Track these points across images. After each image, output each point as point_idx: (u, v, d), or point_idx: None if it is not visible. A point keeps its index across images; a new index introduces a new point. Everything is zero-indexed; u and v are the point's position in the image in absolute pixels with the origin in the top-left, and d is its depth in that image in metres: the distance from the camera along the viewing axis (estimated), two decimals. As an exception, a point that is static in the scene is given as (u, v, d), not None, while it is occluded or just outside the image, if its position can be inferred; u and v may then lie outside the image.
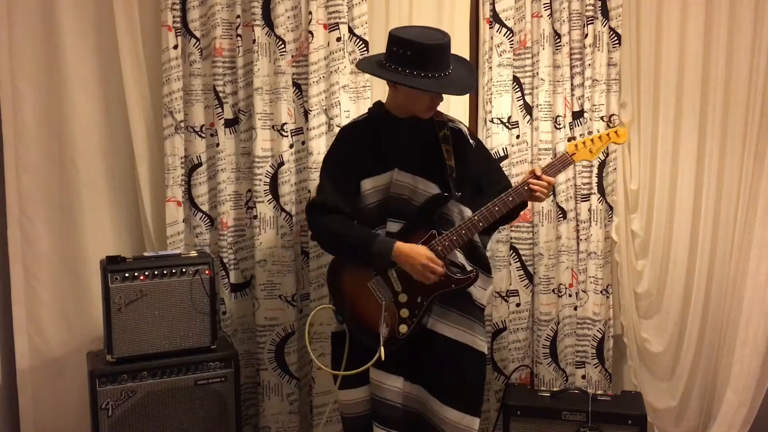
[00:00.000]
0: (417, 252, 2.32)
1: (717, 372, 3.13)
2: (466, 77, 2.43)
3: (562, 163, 2.42)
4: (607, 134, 2.49)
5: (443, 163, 2.41)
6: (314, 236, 2.63)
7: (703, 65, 3.04)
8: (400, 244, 2.33)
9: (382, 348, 2.33)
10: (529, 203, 2.87)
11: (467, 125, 2.61)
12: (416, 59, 2.28)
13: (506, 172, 3.06)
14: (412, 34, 2.34)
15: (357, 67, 2.64)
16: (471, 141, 2.55)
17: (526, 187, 2.36)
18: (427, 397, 2.42)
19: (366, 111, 2.59)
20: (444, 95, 2.45)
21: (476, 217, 2.34)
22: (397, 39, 2.33)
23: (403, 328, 2.37)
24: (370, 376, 2.43)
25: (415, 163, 2.42)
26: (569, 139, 3.05)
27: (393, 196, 2.42)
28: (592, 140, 2.46)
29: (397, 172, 2.41)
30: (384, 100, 2.52)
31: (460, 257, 2.43)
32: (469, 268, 2.42)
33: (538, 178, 2.36)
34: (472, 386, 2.46)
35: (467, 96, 3.13)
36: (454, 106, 3.09)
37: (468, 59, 2.53)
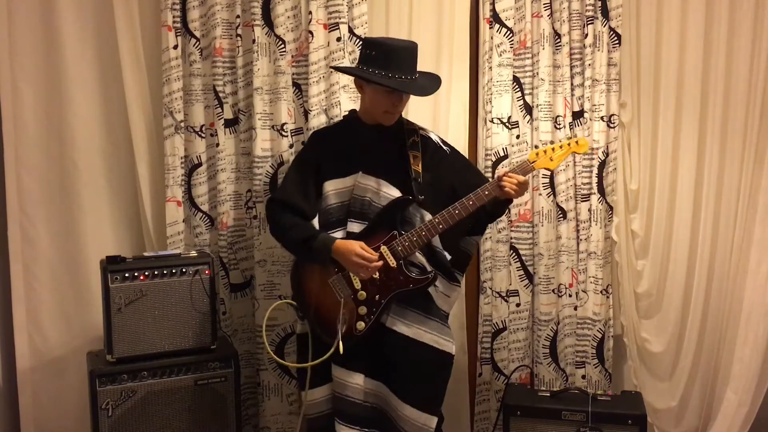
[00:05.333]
0: (348, 247, 2.37)
1: (717, 372, 3.13)
2: (427, 85, 2.48)
3: (522, 169, 2.43)
4: (568, 143, 2.52)
5: (409, 168, 2.46)
6: (271, 231, 2.67)
7: (703, 65, 3.04)
8: (338, 242, 2.39)
9: (340, 342, 2.39)
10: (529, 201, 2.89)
11: (439, 136, 2.66)
12: (380, 59, 2.40)
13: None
14: (380, 38, 2.51)
15: (331, 67, 2.72)
16: (445, 148, 2.59)
17: (486, 192, 2.37)
18: (388, 394, 2.46)
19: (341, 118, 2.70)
20: (407, 100, 2.50)
21: (436, 219, 2.38)
22: (366, 41, 2.56)
23: (361, 325, 2.42)
24: (332, 374, 2.48)
25: (380, 167, 2.48)
26: (535, 146, 3.08)
27: (356, 198, 2.47)
28: (553, 149, 2.49)
29: (361, 175, 2.48)
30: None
31: (421, 259, 2.46)
32: (429, 269, 2.46)
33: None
34: (430, 385, 2.48)
35: (467, 96, 3.13)
36: (454, 106, 3.09)
37: (437, 75, 2.61)
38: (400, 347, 2.43)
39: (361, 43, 2.53)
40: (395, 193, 2.45)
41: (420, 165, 2.48)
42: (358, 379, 2.46)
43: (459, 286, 2.57)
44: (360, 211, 2.47)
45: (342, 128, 2.64)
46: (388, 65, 2.38)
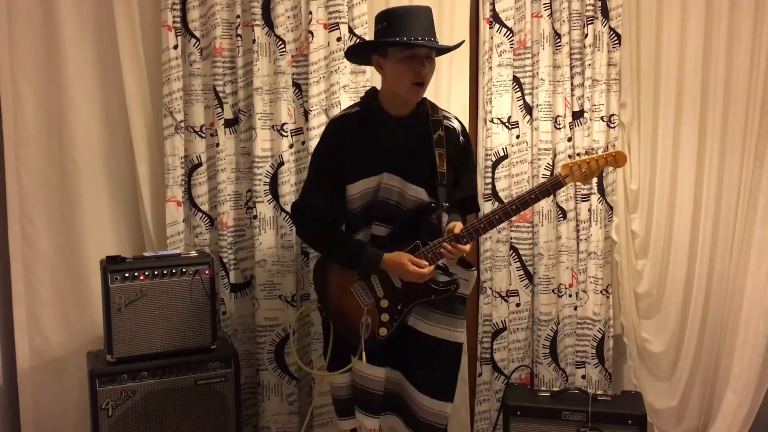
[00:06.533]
0: (400, 260, 2.33)
1: (717, 372, 3.13)
2: (448, 45, 2.40)
3: (552, 185, 2.35)
4: (605, 158, 2.35)
5: (435, 169, 2.38)
6: (299, 235, 2.65)
7: (703, 65, 3.04)
8: (387, 256, 2.35)
9: (363, 352, 2.39)
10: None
11: (462, 122, 2.57)
12: (393, 26, 2.28)
13: (506, 172, 3.08)
14: (391, 7, 2.40)
15: (349, 48, 2.57)
16: (461, 139, 2.49)
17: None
18: (405, 383, 2.47)
19: (359, 100, 2.55)
20: (431, 69, 2.34)
21: (461, 234, 2.33)
22: (377, 16, 2.36)
23: (383, 331, 2.42)
24: (353, 366, 2.48)
25: (406, 166, 2.39)
26: (569, 156, 3.04)
27: (381, 200, 2.40)
28: (588, 163, 2.32)
29: (387, 176, 2.39)
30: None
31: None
32: (452, 271, 2.44)
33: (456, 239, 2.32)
34: (446, 375, 2.50)
35: (467, 96, 3.13)
36: (454, 106, 3.09)
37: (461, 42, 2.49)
38: (420, 345, 2.44)
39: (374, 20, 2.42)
40: (422, 195, 2.38)
41: (445, 164, 2.39)
42: (379, 373, 2.46)
43: (475, 270, 2.54)
44: (385, 213, 2.41)
45: (364, 119, 2.43)
46: (404, 29, 2.25)
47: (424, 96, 2.45)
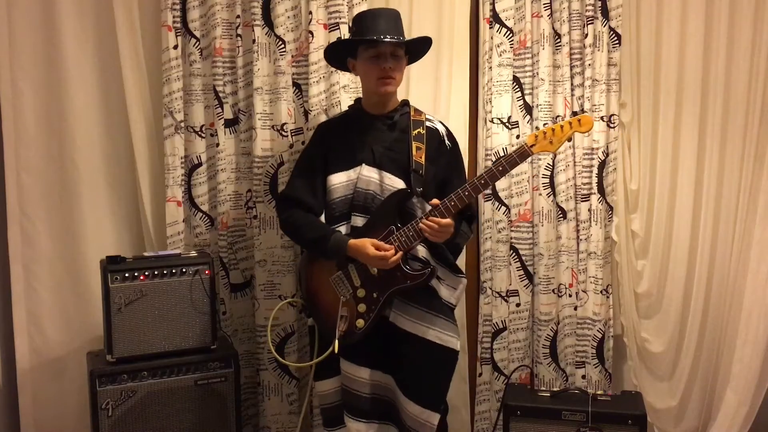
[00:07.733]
0: (363, 244, 2.36)
1: (717, 372, 3.13)
2: (409, 40, 2.48)
3: (519, 154, 2.34)
4: (569, 123, 2.35)
5: (410, 160, 2.43)
6: (280, 224, 2.67)
7: (703, 65, 3.04)
8: (351, 242, 2.38)
9: (336, 342, 2.40)
10: (534, 203, 2.88)
11: (448, 127, 2.60)
12: (362, 28, 2.45)
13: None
14: (362, 11, 2.56)
15: (327, 47, 2.65)
16: (447, 143, 2.54)
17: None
18: (395, 388, 2.46)
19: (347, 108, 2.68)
20: (399, 65, 2.45)
21: (431, 211, 2.34)
22: (352, 20, 2.57)
23: (360, 323, 2.42)
24: (340, 367, 2.49)
25: (384, 158, 2.46)
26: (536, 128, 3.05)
27: (359, 191, 2.45)
28: (553, 130, 2.33)
29: (364, 167, 2.46)
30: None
31: (424, 252, 2.45)
32: (432, 263, 2.44)
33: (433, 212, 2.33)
34: (432, 382, 2.46)
35: (467, 96, 3.13)
36: (454, 106, 3.09)
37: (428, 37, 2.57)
38: (403, 343, 2.43)
39: None
40: (399, 185, 2.43)
41: (423, 156, 2.44)
42: (363, 374, 2.46)
43: (464, 278, 2.54)
44: (363, 204, 2.45)
45: (348, 119, 2.60)
46: (369, 30, 2.41)
47: (410, 102, 2.57)
